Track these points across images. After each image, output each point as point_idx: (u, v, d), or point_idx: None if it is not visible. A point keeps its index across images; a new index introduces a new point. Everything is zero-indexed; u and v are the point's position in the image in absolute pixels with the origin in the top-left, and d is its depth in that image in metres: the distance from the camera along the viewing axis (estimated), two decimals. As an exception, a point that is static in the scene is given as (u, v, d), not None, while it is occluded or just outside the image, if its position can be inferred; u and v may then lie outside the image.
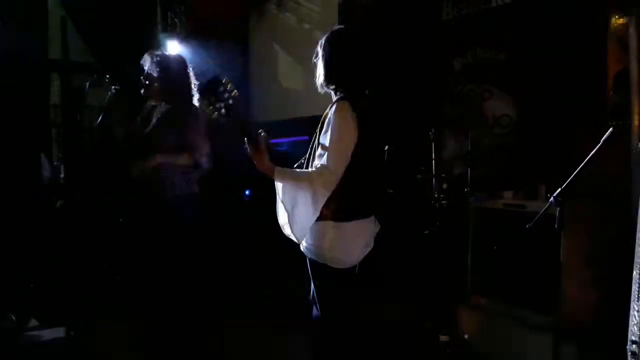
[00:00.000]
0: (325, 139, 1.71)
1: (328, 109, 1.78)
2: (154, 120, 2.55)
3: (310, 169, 1.76)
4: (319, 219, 1.73)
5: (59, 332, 2.88)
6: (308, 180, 1.70)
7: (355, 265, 1.84)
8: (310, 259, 1.80)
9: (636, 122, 2.34)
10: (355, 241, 1.80)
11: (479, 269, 2.70)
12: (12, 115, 3.69)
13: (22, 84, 3.73)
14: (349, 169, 1.72)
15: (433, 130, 3.10)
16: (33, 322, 3.08)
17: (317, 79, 1.86)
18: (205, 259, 2.83)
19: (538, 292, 2.35)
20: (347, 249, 1.78)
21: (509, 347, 2.42)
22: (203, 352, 2.59)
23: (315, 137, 1.80)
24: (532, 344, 2.32)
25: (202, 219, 2.56)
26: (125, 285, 3.31)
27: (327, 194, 1.69)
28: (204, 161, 2.51)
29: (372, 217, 1.88)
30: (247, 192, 3.97)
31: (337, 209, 1.73)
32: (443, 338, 2.66)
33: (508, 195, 2.72)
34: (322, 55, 1.83)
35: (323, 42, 1.85)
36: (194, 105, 2.55)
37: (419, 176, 3.18)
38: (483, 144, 3.15)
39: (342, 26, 1.93)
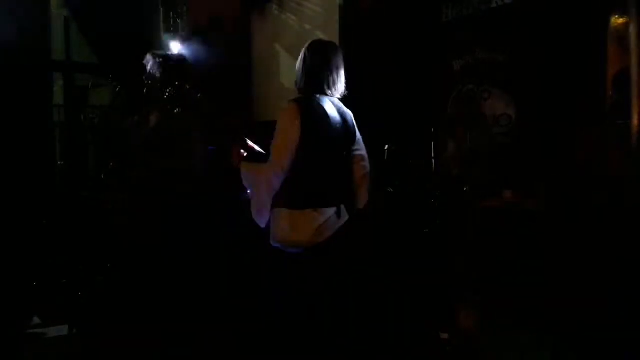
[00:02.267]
0: (274, 134, 1.98)
1: None
2: (153, 120, 2.58)
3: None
4: (274, 206, 1.99)
5: (61, 330, 2.90)
6: (262, 172, 1.99)
7: (307, 251, 2.00)
8: (269, 244, 2.04)
9: (636, 122, 2.35)
10: (304, 227, 1.98)
11: (478, 267, 2.71)
12: (16, 116, 3.72)
13: (25, 84, 3.76)
14: (297, 162, 1.95)
15: (433, 130, 3.12)
16: (36, 320, 3.11)
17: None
18: (203, 261, 2.84)
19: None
20: (296, 234, 1.97)
21: (509, 345, 2.43)
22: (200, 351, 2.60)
23: None
24: (532, 343, 2.33)
25: (201, 219, 2.59)
26: (127, 284, 3.32)
27: (276, 183, 1.96)
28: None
29: (332, 209, 2.04)
30: (248, 191, 3.97)
31: (288, 197, 1.97)
32: (443, 335, 2.67)
33: (507, 194, 2.73)
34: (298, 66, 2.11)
35: None
36: (193, 106, 2.58)
37: (418, 175, 3.19)
38: (483, 144, 3.16)
39: (319, 38, 2.30)
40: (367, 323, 2.45)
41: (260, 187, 2.00)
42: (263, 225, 2.05)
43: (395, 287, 3.12)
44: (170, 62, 2.60)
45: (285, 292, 2.01)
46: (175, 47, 4.17)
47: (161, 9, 4.45)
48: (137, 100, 2.70)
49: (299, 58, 2.10)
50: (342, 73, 2.12)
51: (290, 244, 1.99)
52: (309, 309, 2.01)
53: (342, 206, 2.08)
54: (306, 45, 2.12)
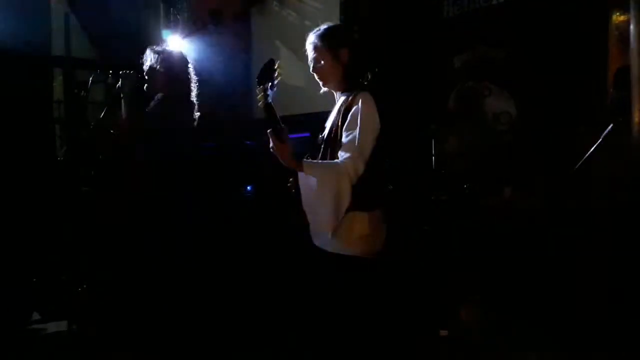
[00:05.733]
0: (353, 128, 1.74)
1: (343, 101, 1.83)
2: (150, 116, 2.57)
3: (338, 160, 1.76)
4: (347, 209, 1.75)
5: (61, 326, 2.90)
6: (340, 169, 1.72)
7: (378, 256, 1.84)
8: (331, 253, 1.80)
9: (637, 119, 2.35)
10: (378, 230, 1.83)
11: (477, 265, 2.71)
12: (16, 111, 3.72)
13: (25, 79, 3.75)
14: (371, 158, 1.76)
15: (433, 127, 3.11)
16: (36, 316, 3.11)
17: (325, 81, 1.90)
18: (206, 257, 2.84)
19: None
20: (373, 238, 1.81)
21: (509, 342, 2.43)
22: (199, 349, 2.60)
23: (332, 129, 1.83)
24: (530, 338, 2.33)
25: (201, 215, 2.58)
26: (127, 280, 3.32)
27: (355, 182, 1.73)
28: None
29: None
30: (248, 188, 3.97)
31: (361, 198, 1.76)
32: (442, 332, 2.67)
33: (507, 191, 2.73)
34: (333, 53, 1.85)
35: (324, 42, 1.87)
36: (193, 102, 2.59)
37: (418, 172, 3.19)
38: (483, 141, 3.16)
39: (337, 24, 2.02)
40: (369, 319, 2.45)
41: (345, 185, 1.73)
42: (329, 230, 1.77)
43: (395, 284, 3.12)
44: (171, 58, 2.60)
45: (369, 303, 1.81)
46: (176, 43, 4.16)
47: (161, 4, 4.44)
48: (136, 96, 2.69)
49: (327, 50, 1.86)
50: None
51: (368, 250, 1.79)
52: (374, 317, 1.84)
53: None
54: (331, 32, 1.89)
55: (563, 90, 2.78)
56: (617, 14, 2.56)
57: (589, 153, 2.24)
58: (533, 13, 2.95)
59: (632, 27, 2.36)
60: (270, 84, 1.76)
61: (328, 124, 1.88)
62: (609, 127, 2.28)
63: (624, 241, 2.21)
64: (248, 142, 2.90)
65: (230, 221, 3.73)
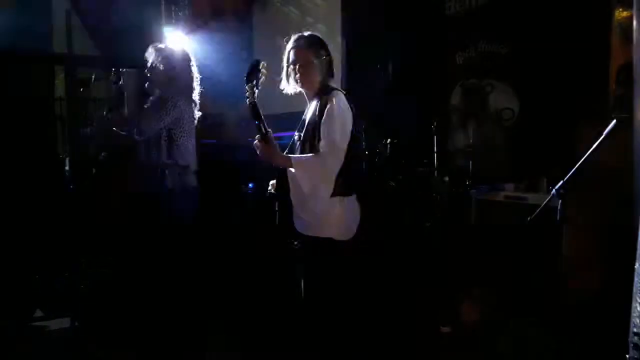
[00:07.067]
0: (331, 122, 1.92)
1: (318, 101, 2.01)
2: (150, 113, 2.55)
3: (318, 152, 1.94)
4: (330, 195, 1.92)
5: (64, 323, 2.91)
6: (323, 161, 1.91)
7: (352, 239, 2.00)
8: (311, 237, 1.97)
9: (639, 115, 2.34)
10: (354, 214, 2.00)
11: (479, 261, 2.72)
12: (17, 108, 3.73)
13: (26, 77, 3.76)
14: (348, 148, 1.94)
15: (435, 123, 3.11)
16: (38, 313, 3.12)
17: (303, 83, 2.07)
18: (204, 256, 2.84)
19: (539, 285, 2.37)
20: (349, 221, 1.99)
21: (509, 339, 2.43)
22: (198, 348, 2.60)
23: (310, 126, 2.00)
24: (531, 336, 2.33)
25: (201, 214, 2.58)
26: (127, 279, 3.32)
27: (337, 170, 1.92)
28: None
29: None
30: (250, 185, 3.97)
31: (342, 184, 1.93)
32: (444, 329, 2.68)
33: (509, 187, 2.73)
34: (318, 59, 2.04)
35: (309, 49, 2.06)
36: (195, 100, 2.59)
37: (420, 169, 3.19)
38: (485, 137, 3.16)
39: (310, 33, 2.16)
40: (370, 316, 2.45)
41: (329, 175, 1.91)
42: (314, 214, 1.95)
43: (396, 280, 3.13)
44: (173, 55, 2.59)
45: (341, 282, 1.98)
46: (177, 40, 4.15)
47: (163, 1, 4.43)
48: (137, 94, 2.69)
49: (312, 56, 2.05)
50: None
51: (344, 233, 1.97)
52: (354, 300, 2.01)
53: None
54: (312, 41, 2.08)
55: (565, 87, 2.78)
56: (620, 10, 2.55)
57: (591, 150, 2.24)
58: (536, 10, 2.94)
59: (635, 23, 2.36)
60: (255, 82, 1.93)
61: (305, 122, 2.04)
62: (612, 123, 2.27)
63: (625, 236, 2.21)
64: (250, 140, 2.91)
65: (230, 218, 3.74)
